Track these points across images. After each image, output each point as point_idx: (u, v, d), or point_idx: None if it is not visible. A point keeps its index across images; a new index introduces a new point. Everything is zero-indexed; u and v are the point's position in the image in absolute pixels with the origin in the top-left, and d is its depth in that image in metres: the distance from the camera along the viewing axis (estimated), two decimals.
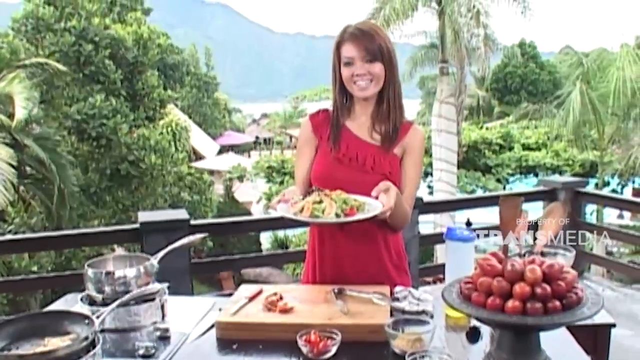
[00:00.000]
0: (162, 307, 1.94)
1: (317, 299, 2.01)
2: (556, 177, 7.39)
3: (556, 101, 19.29)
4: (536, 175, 19.80)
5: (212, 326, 1.91)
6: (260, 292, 2.06)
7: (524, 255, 1.96)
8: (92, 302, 1.93)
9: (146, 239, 4.26)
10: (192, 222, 4.42)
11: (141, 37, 15.17)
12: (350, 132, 2.38)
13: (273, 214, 5.88)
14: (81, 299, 1.94)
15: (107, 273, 1.90)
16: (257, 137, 43.77)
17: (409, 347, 1.66)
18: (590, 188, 6.08)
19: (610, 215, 17.96)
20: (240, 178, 22.03)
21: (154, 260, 2.00)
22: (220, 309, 1.99)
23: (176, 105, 24.55)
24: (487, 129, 22.49)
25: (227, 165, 22.90)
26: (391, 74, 2.30)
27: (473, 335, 1.84)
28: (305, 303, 1.97)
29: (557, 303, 1.50)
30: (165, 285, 1.96)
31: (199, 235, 2.22)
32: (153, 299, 1.91)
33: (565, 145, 19.37)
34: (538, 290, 1.49)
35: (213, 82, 32.49)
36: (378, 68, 2.25)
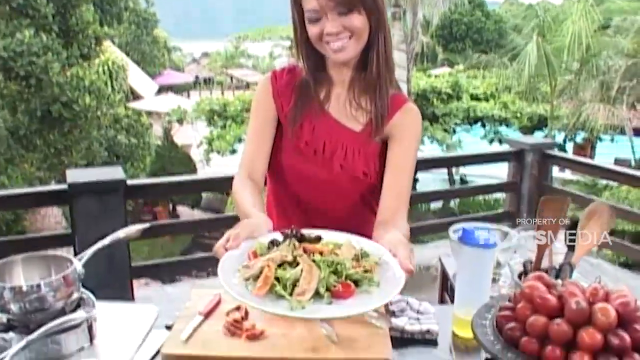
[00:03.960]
0: (90, 327, 1.46)
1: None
2: (524, 138, 7.08)
3: (510, 53, 19.22)
4: (483, 125, 19.66)
5: (158, 353, 1.45)
6: (219, 303, 1.59)
7: (559, 269, 1.57)
8: None
9: (76, 201, 3.72)
10: (129, 182, 3.89)
11: None
12: (321, 109, 1.78)
13: (220, 174, 5.24)
14: None
15: (13, 288, 1.39)
16: (197, 77, 42.59)
17: None
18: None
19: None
20: (180, 120, 21.26)
21: (79, 264, 1.50)
22: (167, 327, 1.54)
23: (113, 43, 23.33)
24: (435, 77, 22.17)
25: (166, 106, 22.04)
26: (378, 25, 1.67)
27: None
28: (278, 323, 1.46)
29: (637, 357, 1.10)
30: (94, 312, 1.47)
31: (137, 226, 1.72)
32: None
33: (514, 98, 19.24)
34: (615, 341, 1.09)
35: (152, 19, 31.11)
36: (358, 20, 1.63)
